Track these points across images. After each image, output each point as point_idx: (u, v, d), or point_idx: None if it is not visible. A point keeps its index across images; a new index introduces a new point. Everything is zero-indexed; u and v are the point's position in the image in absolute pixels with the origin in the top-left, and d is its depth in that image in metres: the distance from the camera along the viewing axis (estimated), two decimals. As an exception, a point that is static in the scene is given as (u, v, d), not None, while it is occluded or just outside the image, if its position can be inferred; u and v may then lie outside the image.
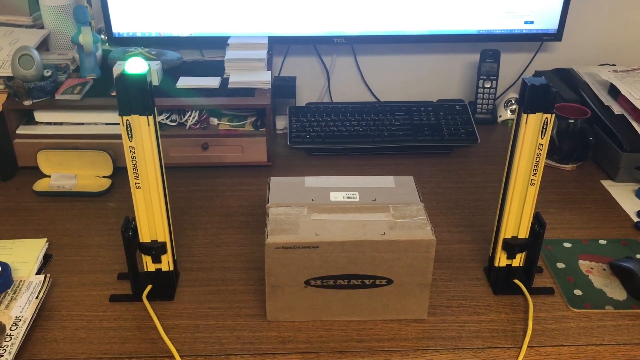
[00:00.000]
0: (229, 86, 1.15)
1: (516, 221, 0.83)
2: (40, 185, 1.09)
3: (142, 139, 0.74)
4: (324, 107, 1.28)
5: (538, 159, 0.78)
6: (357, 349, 0.78)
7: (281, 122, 1.30)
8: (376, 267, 0.78)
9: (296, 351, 0.77)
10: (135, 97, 0.72)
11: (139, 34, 1.27)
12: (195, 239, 0.97)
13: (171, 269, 0.84)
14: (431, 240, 0.76)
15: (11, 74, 1.10)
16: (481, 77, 1.34)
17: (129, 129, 0.74)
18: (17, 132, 1.12)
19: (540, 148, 0.78)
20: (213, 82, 1.17)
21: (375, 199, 0.83)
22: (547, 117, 0.76)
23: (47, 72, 1.11)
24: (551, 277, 0.90)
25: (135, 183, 0.77)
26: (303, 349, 0.78)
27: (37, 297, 0.81)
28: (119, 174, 1.11)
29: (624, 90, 1.17)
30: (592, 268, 0.92)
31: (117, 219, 1.02)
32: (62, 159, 1.10)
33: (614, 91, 1.22)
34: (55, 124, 1.13)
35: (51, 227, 1.00)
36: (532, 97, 0.75)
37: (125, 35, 1.27)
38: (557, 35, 1.32)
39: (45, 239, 0.95)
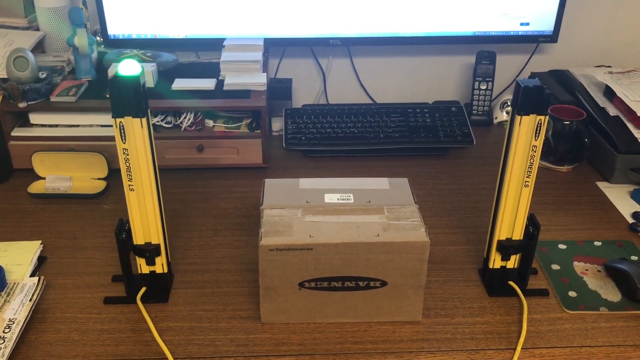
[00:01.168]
0: (225, 88, 1.15)
1: (510, 223, 0.83)
2: (35, 187, 1.09)
3: (135, 141, 0.74)
4: (319, 109, 1.28)
5: (532, 160, 0.78)
6: (351, 350, 0.78)
7: (277, 124, 1.30)
8: (370, 269, 0.78)
9: (290, 353, 0.77)
10: (128, 99, 0.72)
11: (134, 36, 1.27)
12: (190, 240, 0.97)
13: (165, 271, 0.84)
14: (425, 242, 0.76)
15: (6, 76, 1.10)
16: (477, 78, 1.34)
17: (122, 131, 0.74)
18: (12, 134, 1.12)
19: (534, 150, 0.78)
20: (208, 83, 1.17)
21: (370, 200, 0.83)
22: (540, 119, 0.76)
23: (42, 74, 1.11)
24: (546, 279, 0.90)
25: (129, 185, 0.77)
26: (297, 351, 0.77)
27: (30, 300, 0.81)
28: (114, 176, 1.10)
29: (619, 92, 1.18)
30: (586, 269, 0.92)
31: (111, 221, 1.02)
32: (57, 161, 1.10)
33: (609, 93, 1.22)
34: (50, 126, 1.13)
35: (46, 229, 0.99)
36: (526, 99, 0.75)
37: (120, 37, 1.27)
38: (553, 37, 1.32)
39: (40, 241, 0.94)
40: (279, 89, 1.32)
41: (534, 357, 0.78)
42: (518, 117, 0.76)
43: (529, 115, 0.76)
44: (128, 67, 0.72)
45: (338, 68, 1.42)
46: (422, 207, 0.84)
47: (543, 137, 0.77)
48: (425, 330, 0.81)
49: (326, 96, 1.45)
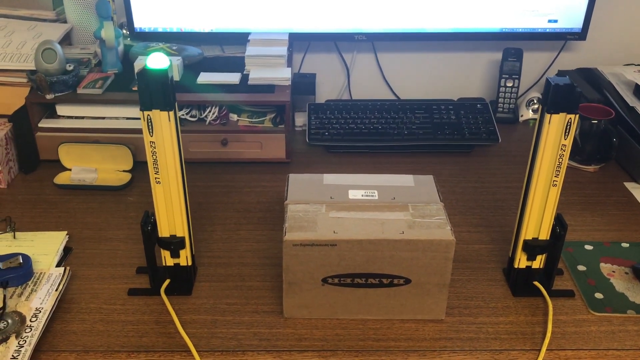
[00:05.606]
0: (249, 82, 1.15)
1: (537, 222, 0.82)
2: (61, 179, 1.10)
3: (162, 134, 0.75)
4: (343, 105, 1.28)
5: (561, 159, 0.77)
6: (373, 348, 0.77)
7: (300, 119, 1.30)
8: (394, 267, 0.77)
9: (312, 349, 0.77)
10: (156, 92, 0.72)
11: (160, 29, 1.27)
12: (214, 234, 0.98)
13: (189, 263, 0.85)
14: (450, 241, 0.76)
15: (34, 68, 1.11)
16: (503, 75, 1.33)
17: (149, 124, 0.74)
18: (39, 125, 1.13)
19: (563, 149, 0.77)
20: (233, 78, 1.17)
21: (395, 197, 0.83)
22: (570, 118, 0.75)
23: (70, 66, 1.12)
24: (572, 280, 0.89)
25: (155, 178, 0.77)
26: (319, 346, 0.77)
27: (56, 289, 0.82)
28: (139, 169, 1.11)
29: (649, 91, 1.16)
30: (613, 271, 0.90)
31: (136, 213, 1.02)
32: (83, 152, 1.11)
33: (639, 92, 1.19)
34: (76, 117, 1.14)
35: (71, 220, 1.00)
36: (556, 97, 0.74)
37: (146, 30, 1.27)
38: (581, 35, 1.30)
39: (66, 232, 0.96)
40: (303, 84, 1.31)
41: (559, 358, 0.77)
42: (547, 116, 0.75)
43: (558, 113, 0.75)
44: (156, 60, 0.72)
45: (362, 63, 1.41)
46: (447, 204, 0.83)
47: (572, 137, 0.76)
48: (449, 329, 0.80)
49: (350, 92, 1.44)
